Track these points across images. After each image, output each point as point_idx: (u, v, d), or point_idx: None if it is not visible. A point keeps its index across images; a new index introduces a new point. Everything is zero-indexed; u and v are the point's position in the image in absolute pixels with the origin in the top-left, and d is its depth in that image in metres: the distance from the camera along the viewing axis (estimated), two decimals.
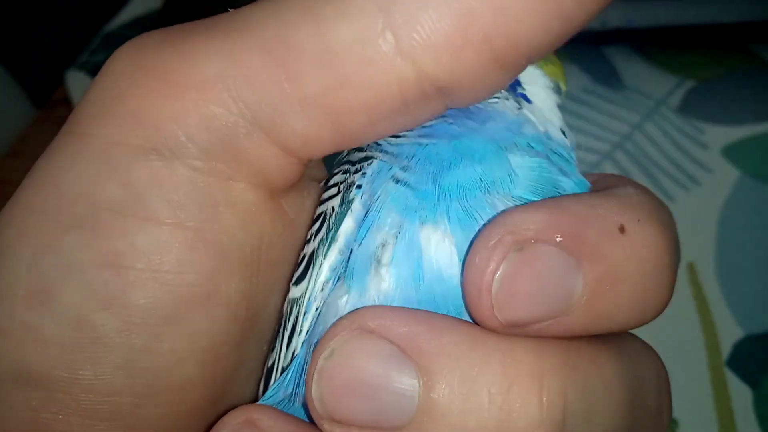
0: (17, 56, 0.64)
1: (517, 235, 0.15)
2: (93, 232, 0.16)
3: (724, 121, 0.50)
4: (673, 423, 0.36)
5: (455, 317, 0.16)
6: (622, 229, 0.16)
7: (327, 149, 0.17)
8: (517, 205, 0.17)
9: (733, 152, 0.48)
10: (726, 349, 0.39)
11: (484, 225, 0.17)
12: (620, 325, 0.17)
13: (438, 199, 0.17)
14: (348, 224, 0.18)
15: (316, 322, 0.18)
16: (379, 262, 0.17)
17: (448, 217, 0.17)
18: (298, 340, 0.18)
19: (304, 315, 0.18)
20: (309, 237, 0.19)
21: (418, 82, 0.15)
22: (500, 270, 0.15)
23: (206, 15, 0.56)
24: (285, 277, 0.19)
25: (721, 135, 0.49)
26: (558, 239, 0.15)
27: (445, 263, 0.17)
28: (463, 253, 0.17)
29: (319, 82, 0.15)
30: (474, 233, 0.17)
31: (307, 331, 0.18)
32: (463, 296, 0.16)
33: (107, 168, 0.16)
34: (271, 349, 0.19)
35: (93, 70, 0.59)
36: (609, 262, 0.16)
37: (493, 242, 0.15)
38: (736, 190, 0.46)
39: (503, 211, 0.16)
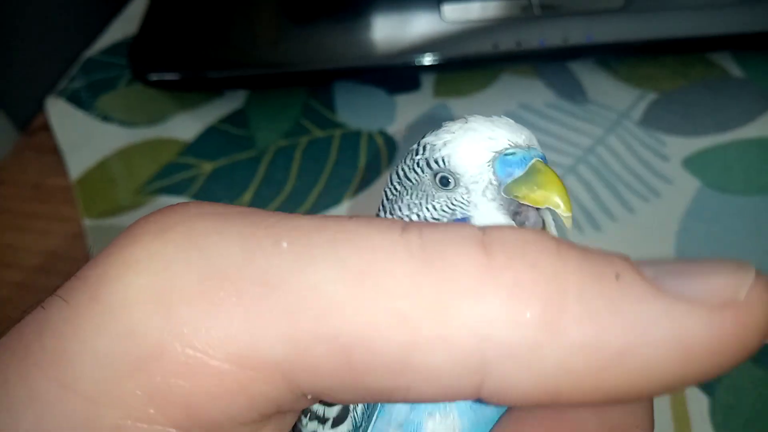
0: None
1: None
2: None
3: (685, 133, 0.52)
4: None
5: None
6: None
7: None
8: (525, 419, 0.17)
9: (693, 163, 0.50)
10: None
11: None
12: None
13: None
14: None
15: None
16: None
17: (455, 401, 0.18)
18: None
19: None
20: (321, 416, 0.19)
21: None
22: None
23: (181, 41, 0.57)
24: None
25: (681, 146, 0.51)
26: None
27: None
28: None
29: (380, 374, 0.15)
30: (480, 420, 0.18)
31: None
32: None
33: None
34: None
35: (72, 97, 0.60)
36: None
37: None
38: (695, 200, 0.47)
39: (513, 428, 0.17)
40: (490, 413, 0.18)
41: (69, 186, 0.54)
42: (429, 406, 0.18)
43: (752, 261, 0.44)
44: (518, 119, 0.20)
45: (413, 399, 0.15)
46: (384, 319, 0.14)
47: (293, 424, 0.18)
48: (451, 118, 0.20)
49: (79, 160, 0.55)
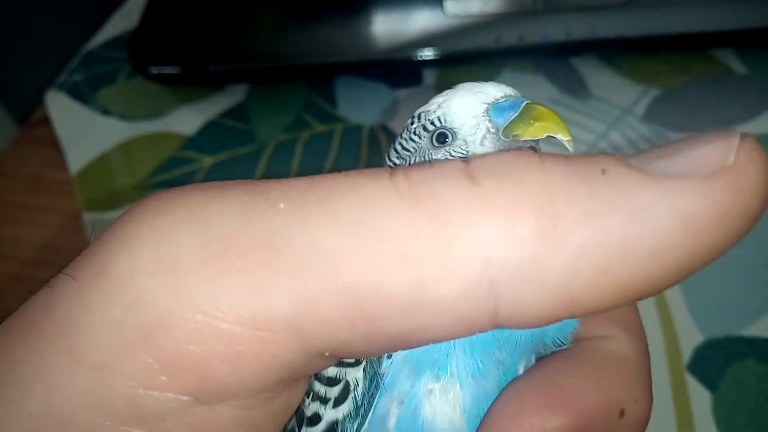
0: None
1: None
2: None
3: (688, 129, 0.51)
4: None
5: None
6: (621, 414, 0.18)
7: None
8: (525, 393, 0.18)
9: None
10: (687, 354, 0.40)
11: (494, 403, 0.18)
12: None
13: (448, 356, 0.18)
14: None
15: None
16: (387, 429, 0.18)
17: (456, 375, 0.18)
18: None
19: None
20: (323, 396, 0.19)
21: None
22: None
23: (181, 34, 0.56)
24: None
25: None
26: None
27: (447, 421, 0.18)
28: (469, 411, 0.18)
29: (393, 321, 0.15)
30: (481, 394, 0.18)
31: None
32: None
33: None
34: None
35: (71, 90, 0.60)
36: None
37: None
38: None
39: (514, 402, 0.17)
40: (491, 388, 0.18)
41: (68, 179, 0.54)
42: (429, 383, 0.18)
43: (750, 256, 0.43)
44: None
45: (433, 338, 0.15)
46: (387, 263, 0.14)
47: (304, 393, 0.19)
48: None
49: (78, 154, 0.55)
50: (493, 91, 0.20)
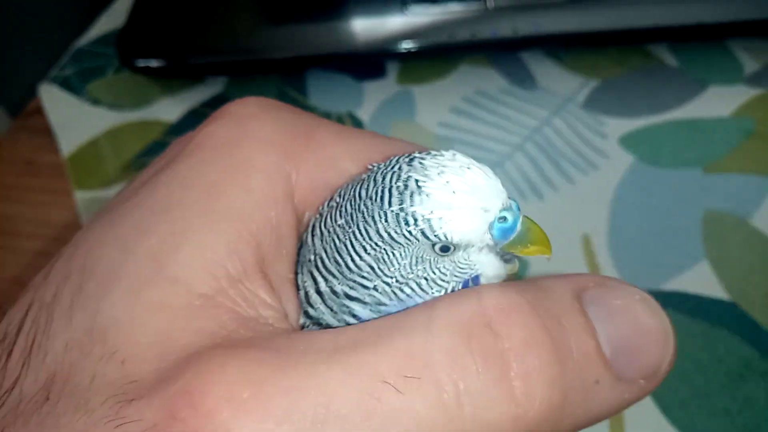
0: None
1: None
2: None
3: (623, 114, 0.57)
4: None
5: None
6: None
7: None
8: None
9: (628, 141, 0.55)
10: None
11: None
12: None
13: None
14: None
15: None
16: None
17: None
18: None
19: None
20: None
21: None
22: None
23: (165, 30, 0.62)
24: None
25: (619, 126, 0.56)
26: None
27: None
28: None
29: None
30: None
31: None
32: None
33: None
34: None
35: (63, 83, 0.65)
36: None
37: None
38: (629, 173, 0.53)
39: None
40: None
41: (60, 163, 0.59)
42: None
43: (669, 221, 0.50)
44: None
45: None
46: None
47: None
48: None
49: (70, 139, 0.60)
50: (496, 207, 0.21)
